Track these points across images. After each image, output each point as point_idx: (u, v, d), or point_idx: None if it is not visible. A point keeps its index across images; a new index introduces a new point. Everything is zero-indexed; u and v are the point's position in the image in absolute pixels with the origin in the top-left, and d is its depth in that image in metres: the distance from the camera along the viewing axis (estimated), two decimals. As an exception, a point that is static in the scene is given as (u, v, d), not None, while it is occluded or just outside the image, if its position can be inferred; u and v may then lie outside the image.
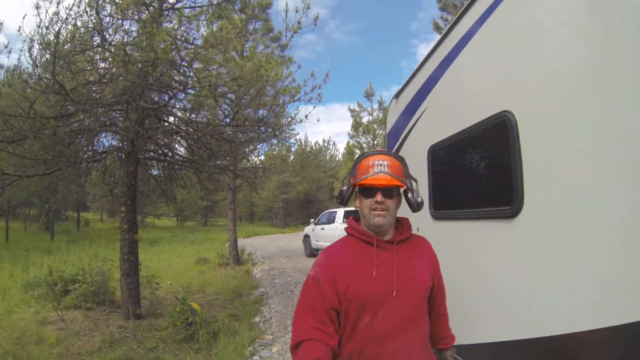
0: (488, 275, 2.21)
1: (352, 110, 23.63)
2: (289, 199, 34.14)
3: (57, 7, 4.62)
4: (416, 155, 3.28)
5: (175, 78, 4.81)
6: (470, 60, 2.51)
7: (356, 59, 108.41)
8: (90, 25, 4.64)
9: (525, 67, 1.92)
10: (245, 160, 8.41)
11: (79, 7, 4.62)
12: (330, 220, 12.82)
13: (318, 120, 5.62)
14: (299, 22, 4.15)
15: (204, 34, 5.41)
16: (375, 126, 23.35)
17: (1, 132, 4.53)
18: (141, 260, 5.73)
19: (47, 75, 3.94)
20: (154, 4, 5.33)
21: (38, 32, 4.55)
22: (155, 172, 6.23)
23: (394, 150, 4.02)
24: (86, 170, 4.88)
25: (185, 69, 4.54)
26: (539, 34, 1.83)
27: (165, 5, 5.51)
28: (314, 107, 5.36)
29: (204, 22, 5.96)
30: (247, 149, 6.53)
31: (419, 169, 3.15)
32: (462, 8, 2.64)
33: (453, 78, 2.74)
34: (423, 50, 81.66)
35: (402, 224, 1.48)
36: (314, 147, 43.13)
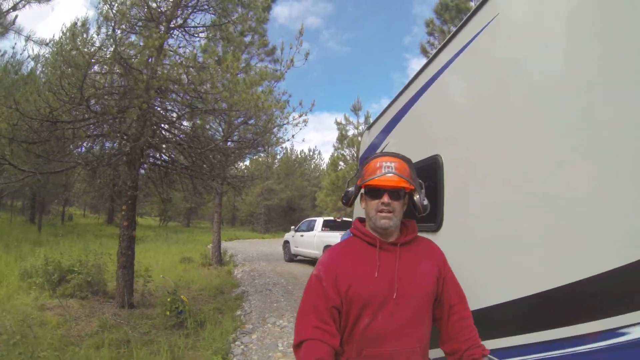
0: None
1: (338, 123, 24.45)
2: (272, 205, 34.57)
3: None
4: None
5: (179, 97, 5.43)
6: (422, 111, 3.25)
7: (348, 69, 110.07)
8: (108, 42, 5.21)
9: (447, 123, 2.67)
10: (232, 166, 9.03)
11: (100, 26, 5.22)
12: (310, 227, 13.42)
13: (303, 141, 6.34)
14: (292, 60, 4.85)
15: (206, 54, 6.07)
16: (359, 139, 24.17)
17: (22, 133, 5.04)
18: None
19: (74, 90, 4.48)
20: (162, 24, 5.94)
21: (62, 48, 5.14)
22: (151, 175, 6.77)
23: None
24: (95, 171, 5.40)
25: (190, 87, 5.14)
26: (453, 104, 2.59)
27: (173, 23, 6.11)
28: (300, 129, 6.07)
29: (206, 40, 6.60)
30: (239, 161, 7.17)
31: None
32: (419, 69, 3.40)
33: (409, 122, 3.48)
34: (414, 65, 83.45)
35: (407, 227, 1.46)
36: (299, 156, 43.79)
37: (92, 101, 4.56)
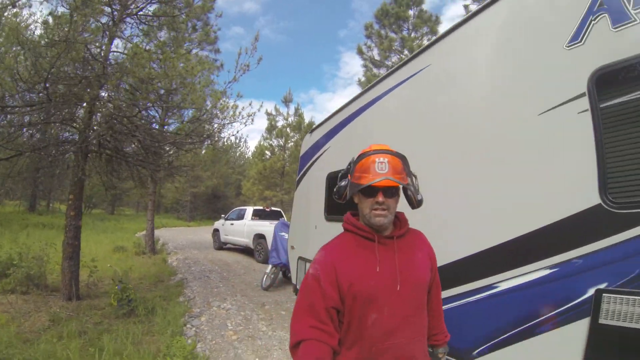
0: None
1: (268, 114, 24.50)
2: (198, 193, 33.50)
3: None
4: (319, 176, 4.75)
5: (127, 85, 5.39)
6: (365, 123, 3.91)
7: (281, 58, 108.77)
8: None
9: (384, 135, 3.41)
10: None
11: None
12: (240, 216, 13.59)
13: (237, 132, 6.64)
14: (247, 66, 5.16)
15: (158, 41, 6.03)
16: (288, 130, 24.55)
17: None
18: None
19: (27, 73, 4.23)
20: (116, 11, 5.74)
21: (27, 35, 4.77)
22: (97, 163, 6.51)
23: (303, 170, 5.39)
24: (52, 158, 5.13)
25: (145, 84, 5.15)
26: (390, 121, 3.35)
27: (127, 12, 5.92)
28: (246, 125, 6.42)
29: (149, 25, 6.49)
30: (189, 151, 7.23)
31: (320, 186, 4.64)
32: (363, 90, 4.09)
33: (353, 130, 4.14)
34: (347, 58, 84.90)
35: (399, 219, 1.46)
36: (226, 143, 42.68)
37: (46, 85, 4.34)
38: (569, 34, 1.95)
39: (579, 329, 1.68)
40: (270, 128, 24.55)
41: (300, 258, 5.24)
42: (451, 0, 42.98)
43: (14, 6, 6.33)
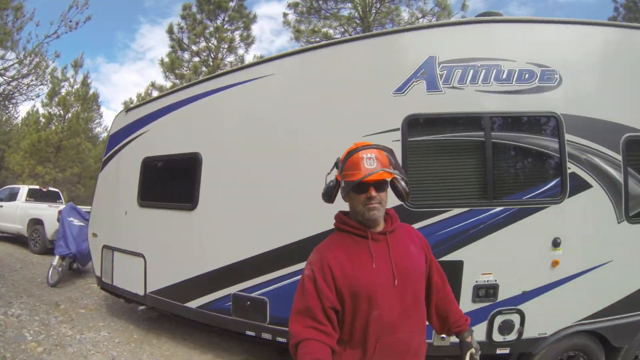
0: (173, 241, 3.85)
1: (53, 76, 19.40)
2: None
3: None
4: (133, 159, 4.40)
5: None
6: (191, 115, 3.86)
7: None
8: None
9: (210, 131, 3.61)
10: None
11: None
12: (11, 197, 10.64)
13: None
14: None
15: None
16: (72, 99, 20.28)
17: None
18: None
19: None
20: None
21: None
22: None
23: (113, 150, 4.82)
24: None
25: None
26: (218, 118, 3.62)
27: None
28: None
29: None
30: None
31: (134, 170, 4.34)
32: (195, 81, 4.06)
33: (177, 119, 4.01)
34: (145, 30, 72.95)
35: (390, 215, 1.45)
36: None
37: None
38: (397, 85, 2.70)
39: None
40: (53, 93, 19.60)
41: (105, 247, 4.64)
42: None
43: None
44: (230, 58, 16.98)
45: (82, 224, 6.47)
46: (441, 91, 2.66)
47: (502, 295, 2.60)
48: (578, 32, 2.79)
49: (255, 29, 23.85)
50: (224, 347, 4.15)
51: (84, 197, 19.85)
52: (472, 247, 2.60)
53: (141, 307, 4.46)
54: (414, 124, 2.69)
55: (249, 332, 3.18)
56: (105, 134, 26.37)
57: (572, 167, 2.60)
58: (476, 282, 2.59)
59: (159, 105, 4.22)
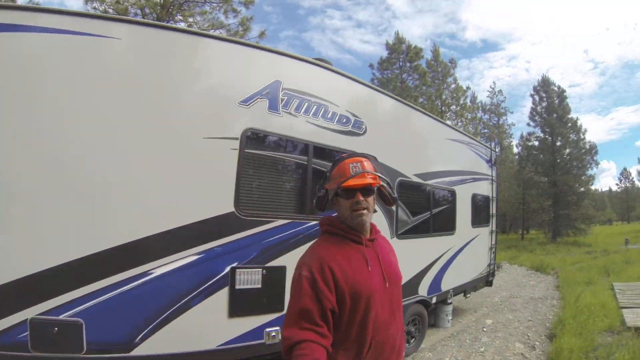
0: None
1: None
2: None
3: None
4: None
5: None
6: None
7: None
8: None
9: None
10: None
11: None
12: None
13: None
14: None
15: None
16: None
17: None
18: None
19: None
20: None
21: None
22: None
23: None
24: None
25: None
26: None
27: None
28: None
29: None
30: None
31: None
32: None
33: None
34: None
35: (371, 225, 1.49)
36: None
37: None
38: (243, 97, 2.79)
39: (223, 295, 2.36)
40: None
41: None
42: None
43: None
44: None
45: None
46: (280, 114, 2.92)
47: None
48: (380, 98, 3.67)
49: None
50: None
51: None
52: (293, 254, 2.85)
53: None
54: (251, 137, 2.80)
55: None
56: None
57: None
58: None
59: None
